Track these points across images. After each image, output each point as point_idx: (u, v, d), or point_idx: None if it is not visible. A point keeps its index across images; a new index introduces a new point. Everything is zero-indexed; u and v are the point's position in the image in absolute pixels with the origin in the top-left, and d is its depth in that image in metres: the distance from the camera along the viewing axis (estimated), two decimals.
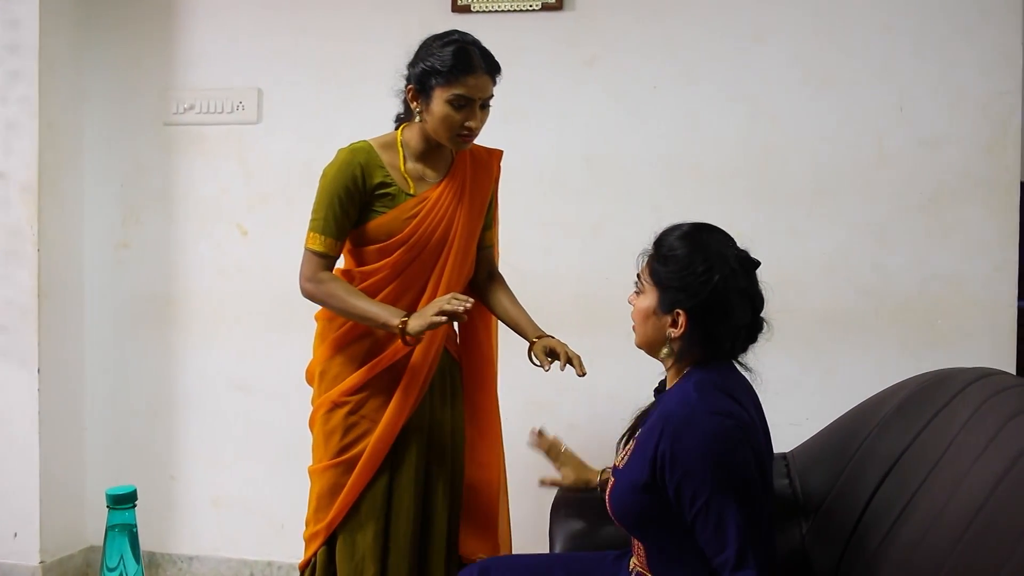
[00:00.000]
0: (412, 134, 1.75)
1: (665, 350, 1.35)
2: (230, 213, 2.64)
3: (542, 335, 1.77)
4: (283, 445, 2.55)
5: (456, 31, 1.71)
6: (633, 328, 1.40)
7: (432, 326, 1.60)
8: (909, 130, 2.27)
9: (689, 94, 2.37)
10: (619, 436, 1.49)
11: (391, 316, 1.65)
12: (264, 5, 2.60)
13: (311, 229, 1.72)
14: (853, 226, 2.31)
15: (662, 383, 1.48)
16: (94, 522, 2.71)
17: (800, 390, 2.29)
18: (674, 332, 1.33)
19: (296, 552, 1.85)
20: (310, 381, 1.85)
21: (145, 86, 2.67)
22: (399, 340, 1.68)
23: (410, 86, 1.71)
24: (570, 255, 2.44)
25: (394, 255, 1.71)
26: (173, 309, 2.69)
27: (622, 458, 1.37)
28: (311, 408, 1.84)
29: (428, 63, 1.66)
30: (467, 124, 1.67)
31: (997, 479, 1.02)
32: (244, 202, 2.63)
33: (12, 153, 2.52)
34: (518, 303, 1.87)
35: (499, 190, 2.44)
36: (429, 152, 1.76)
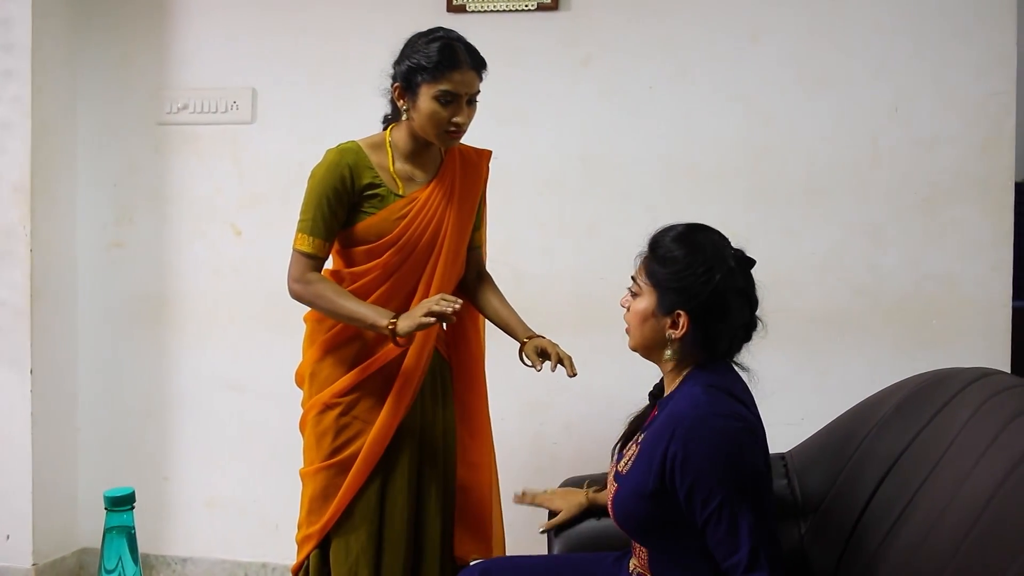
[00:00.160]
0: (400, 134, 1.74)
1: (666, 352, 1.34)
2: (224, 213, 2.63)
3: (532, 335, 1.77)
4: (277, 446, 2.54)
5: (441, 28, 1.71)
6: (627, 331, 1.39)
7: (421, 327, 1.60)
8: (904, 130, 2.27)
9: (685, 94, 2.37)
10: (616, 437, 1.49)
11: (380, 317, 1.64)
12: (259, 5, 2.59)
13: (299, 230, 1.71)
14: (848, 226, 2.31)
15: (658, 387, 1.48)
16: (87, 524, 2.70)
17: (795, 390, 2.29)
18: (674, 333, 1.32)
19: (291, 553, 1.85)
20: (300, 383, 1.84)
21: (138, 85, 2.66)
22: (390, 342, 1.68)
23: (396, 84, 1.70)
24: (566, 255, 2.44)
25: (384, 256, 1.70)
26: (167, 309, 2.68)
27: (625, 463, 1.36)
28: (302, 410, 1.83)
29: (414, 60, 1.66)
30: (454, 120, 1.66)
31: (1000, 480, 1.01)
32: (238, 202, 2.62)
33: (5, 153, 2.50)
34: (507, 303, 1.86)
35: (495, 190, 2.44)
36: (418, 152, 1.75)
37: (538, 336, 1.76)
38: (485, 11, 2.44)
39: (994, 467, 1.05)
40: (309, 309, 1.79)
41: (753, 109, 2.34)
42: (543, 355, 1.71)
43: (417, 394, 1.77)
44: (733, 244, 1.37)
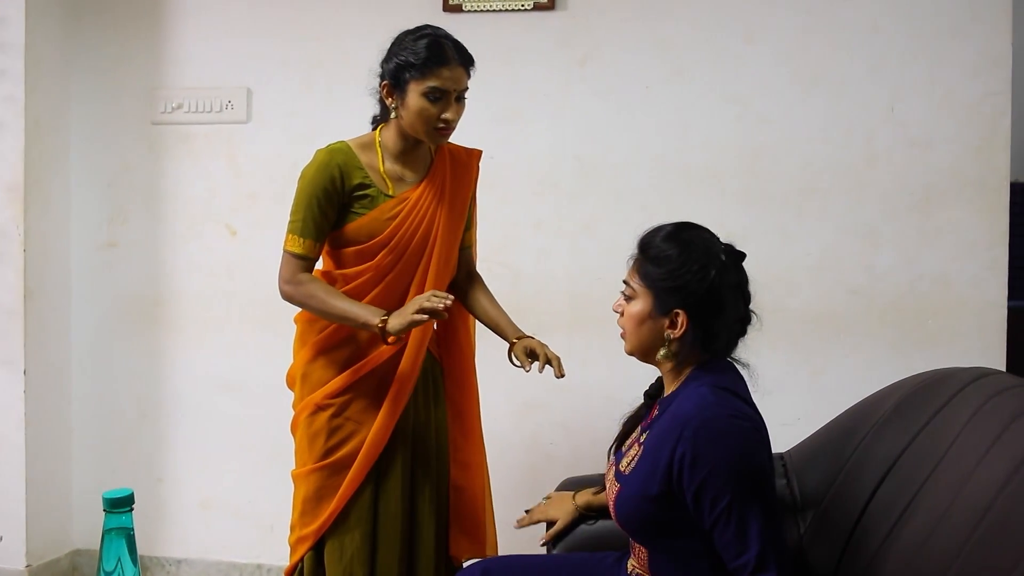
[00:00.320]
0: (390, 134, 1.74)
1: (663, 352, 1.34)
2: (219, 213, 2.62)
3: (522, 336, 1.77)
4: (272, 446, 2.53)
5: (428, 25, 1.70)
6: (622, 335, 1.39)
7: (413, 324, 1.59)
8: (899, 130, 2.28)
9: (681, 94, 2.37)
10: (613, 437, 1.49)
11: (371, 315, 1.64)
12: (254, 4, 2.58)
13: (289, 231, 1.71)
14: (843, 226, 2.31)
15: (655, 386, 1.48)
16: (81, 525, 2.69)
17: (790, 390, 2.29)
18: (673, 333, 1.32)
19: (286, 555, 1.84)
20: (291, 385, 1.83)
21: (133, 85, 2.65)
22: (383, 343, 1.68)
23: (385, 82, 1.70)
24: (562, 255, 2.44)
25: (376, 258, 1.70)
26: (161, 310, 2.67)
27: (628, 463, 1.36)
28: (293, 413, 1.82)
29: (402, 57, 1.65)
30: (444, 117, 1.65)
31: (1004, 481, 1.01)
32: (233, 202, 2.61)
33: None
34: (497, 303, 1.86)
35: (490, 190, 2.44)
36: (408, 152, 1.75)
37: (527, 336, 1.76)
38: (481, 11, 2.43)
39: (997, 468, 1.05)
40: (300, 310, 1.78)
41: (748, 109, 2.34)
42: (532, 356, 1.71)
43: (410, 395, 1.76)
44: (728, 242, 1.37)
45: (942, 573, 1.00)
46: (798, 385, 2.32)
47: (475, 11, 2.44)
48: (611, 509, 1.37)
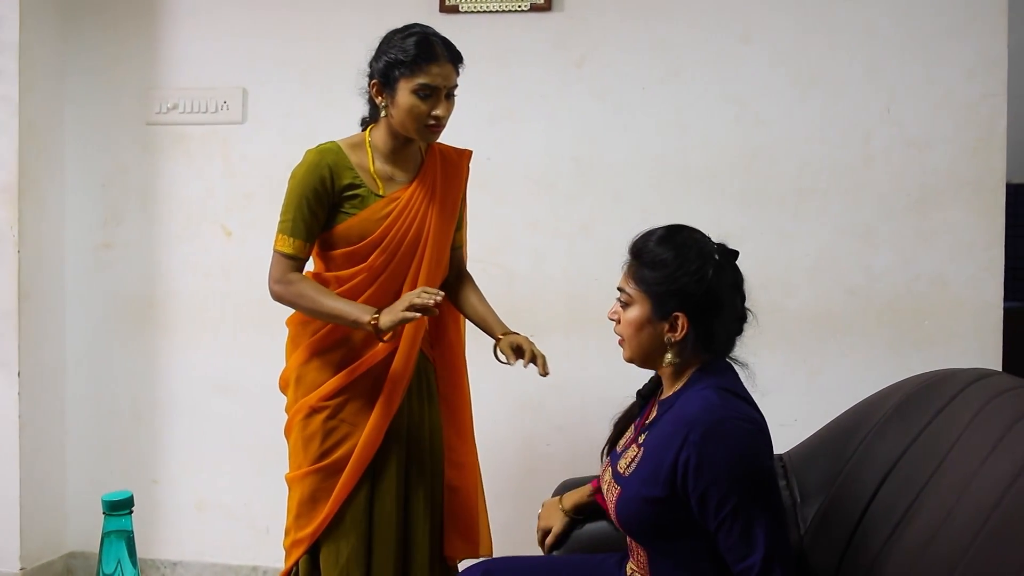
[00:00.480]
0: (379, 134, 1.74)
1: (667, 357, 1.34)
2: (214, 214, 2.62)
3: (508, 332, 1.76)
4: (268, 448, 2.52)
5: (417, 24, 1.71)
6: (620, 343, 1.38)
7: (403, 321, 1.59)
8: (896, 131, 2.28)
9: (677, 95, 2.37)
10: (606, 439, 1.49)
11: (362, 313, 1.64)
12: (250, 5, 2.57)
13: (280, 231, 1.70)
14: (840, 227, 2.31)
15: (648, 387, 1.48)
16: (75, 528, 2.68)
17: (788, 390, 2.29)
18: (674, 336, 1.32)
19: (281, 557, 1.83)
20: (284, 389, 1.83)
21: (128, 85, 2.64)
22: (377, 344, 1.68)
23: (374, 81, 1.70)
24: (559, 255, 2.44)
25: (369, 259, 1.70)
26: (156, 311, 2.66)
27: (628, 465, 1.35)
28: (287, 416, 1.81)
29: (391, 55, 1.65)
30: (434, 113, 1.65)
31: (1010, 480, 1.01)
32: (228, 203, 2.61)
33: None
34: (485, 300, 1.86)
35: (487, 190, 2.44)
36: (398, 152, 1.74)
37: (513, 333, 1.76)
38: (478, 12, 2.43)
39: (1001, 468, 1.05)
40: (292, 312, 1.78)
41: (746, 110, 2.34)
42: (518, 352, 1.71)
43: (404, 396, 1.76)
44: (728, 245, 1.36)
45: (949, 574, 1.00)
46: (796, 385, 2.32)
47: (472, 12, 2.43)
48: (611, 512, 1.36)
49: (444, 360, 1.87)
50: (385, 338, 1.65)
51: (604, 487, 1.42)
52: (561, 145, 2.43)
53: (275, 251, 1.71)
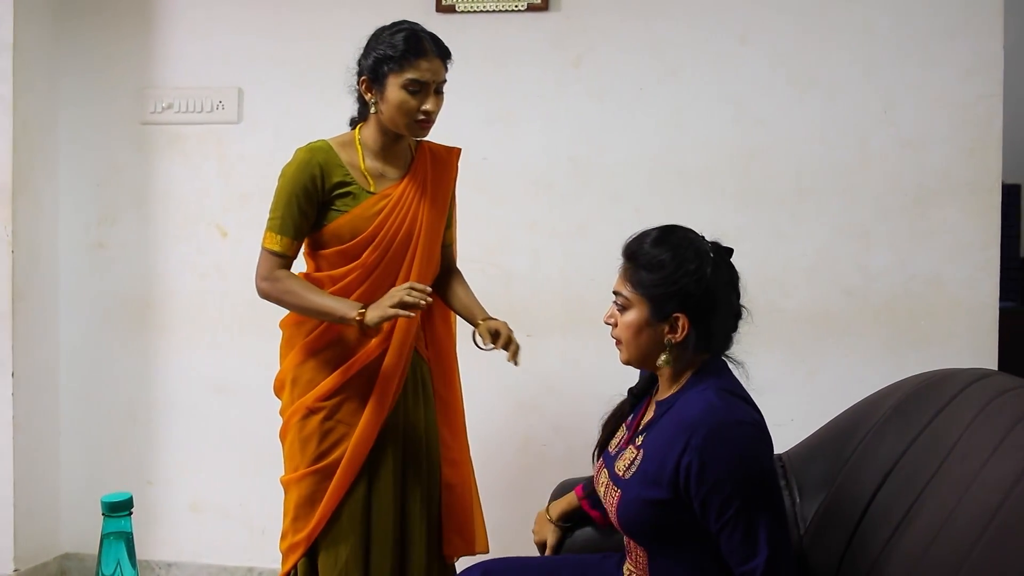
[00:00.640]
0: (369, 132, 1.74)
1: (665, 358, 1.33)
2: (209, 214, 2.61)
3: (488, 318, 1.77)
4: (263, 449, 2.50)
5: (405, 20, 1.72)
6: (618, 346, 1.37)
7: (390, 317, 1.60)
8: (893, 132, 2.28)
9: (675, 95, 2.37)
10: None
11: (349, 309, 1.64)
12: (245, 4, 2.56)
13: (268, 229, 1.71)
14: (837, 227, 2.32)
15: (640, 386, 1.47)
16: (69, 529, 2.67)
17: (785, 391, 2.29)
18: (674, 337, 1.31)
19: (277, 558, 1.82)
20: (278, 391, 1.82)
21: (122, 84, 2.63)
22: (371, 341, 1.68)
23: (363, 77, 1.71)
24: (556, 256, 2.44)
25: (361, 256, 1.70)
26: (151, 311, 2.65)
27: (626, 467, 1.34)
28: (281, 419, 1.81)
29: (379, 51, 1.66)
30: (423, 108, 1.65)
31: (1013, 481, 1.00)
32: (224, 203, 2.60)
33: None
34: (471, 292, 1.86)
35: (484, 191, 2.43)
36: (388, 149, 1.74)
37: (493, 318, 1.76)
38: (475, 11, 2.42)
39: (1005, 468, 1.05)
40: (285, 315, 1.78)
41: (743, 110, 2.34)
42: (496, 336, 1.71)
43: (399, 394, 1.75)
44: (722, 243, 1.36)
45: (954, 573, 0.99)
46: (793, 386, 2.32)
47: (469, 12, 2.43)
48: (611, 514, 1.35)
49: (437, 358, 1.87)
50: (370, 333, 1.65)
51: (601, 490, 1.41)
52: (558, 145, 2.42)
53: (263, 248, 1.72)
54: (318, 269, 1.75)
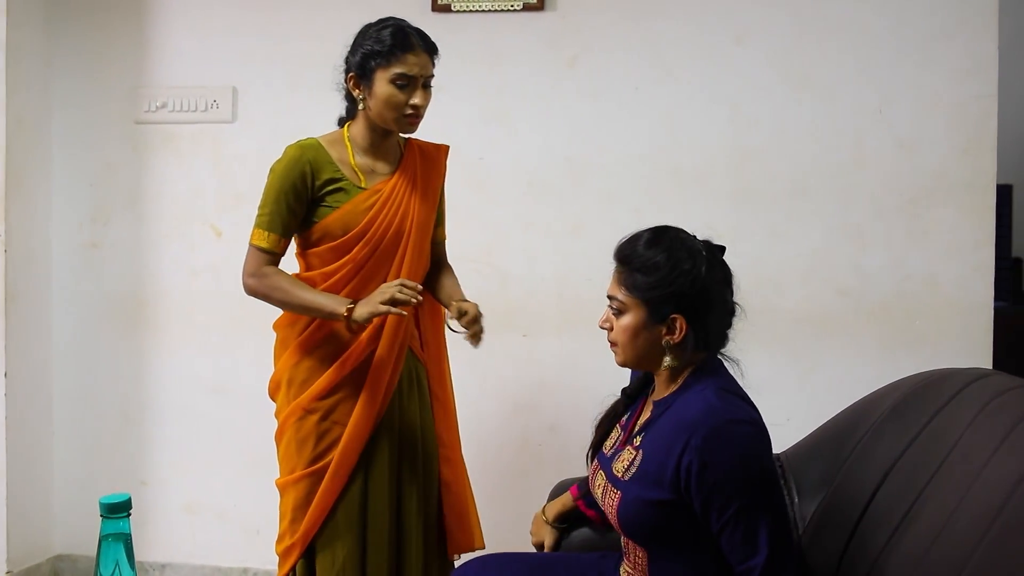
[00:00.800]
0: (358, 128, 1.74)
1: (665, 359, 1.32)
2: (203, 214, 2.60)
3: (462, 299, 1.75)
4: (258, 449, 2.49)
5: (391, 17, 1.72)
6: (613, 349, 1.37)
7: (380, 314, 1.60)
8: (888, 132, 2.29)
9: (670, 95, 2.37)
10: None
11: (337, 305, 1.64)
12: (240, 3, 2.56)
13: (257, 225, 1.71)
14: (832, 227, 2.32)
15: (634, 386, 1.47)
16: (63, 530, 2.65)
17: (780, 390, 2.29)
18: (672, 339, 1.31)
19: (272, 558, 1.82)
20: (273, 394, 1.82)
21: (116, 83, 2.62)
22: (364, 336, 1.68)
23: (351, 74, 1.71)
24: (551, 256, 2.43)
25: (352, 251, 1.70)
26: (144, 311, 2.63)
27: (624, 468, 1.34)
28: (276, 421, 1.80)
29: (367, 47, 1.67)
30: (411, 103, 1.66)
31: (1016, 481, 1.00)
32: (218, 202, 2.59)
33: None
34: (457, 284, 1.85)
35: (480, 191, 2.43)
36: (377, 145, 1.75)
37: (466, 300, 1.75)
38: (470, 11, 2.42)
39: (1007, 470, 1.05)
40: (279, 316, 1.78)
41: (738, 110, 2.35)
42: (463, 316, 1.69)
43: (394, 393, 1.75)
44: (704, 239, 1.36)
45: (958, 573, 0.99)
46: (788, 385, 2.32)
47: (464, 11, 2.42)
48: (611, 516, 1.34)
49: (431, 357, 1.86)
50: (357, 329, 1.65)
51: (598, 492, 1.40)
52: (554, 145, 2.42)
53: (250, 245, 1.72)
54: (309, 268, 1.75)
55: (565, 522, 1.66)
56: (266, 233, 1.69)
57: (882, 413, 1.42)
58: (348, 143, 1.74)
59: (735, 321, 1.37)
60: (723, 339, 1.36)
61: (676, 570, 1.31)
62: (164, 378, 2.63)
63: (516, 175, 2.44)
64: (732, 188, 2.35)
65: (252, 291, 1.72)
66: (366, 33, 1.70)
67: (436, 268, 1.88)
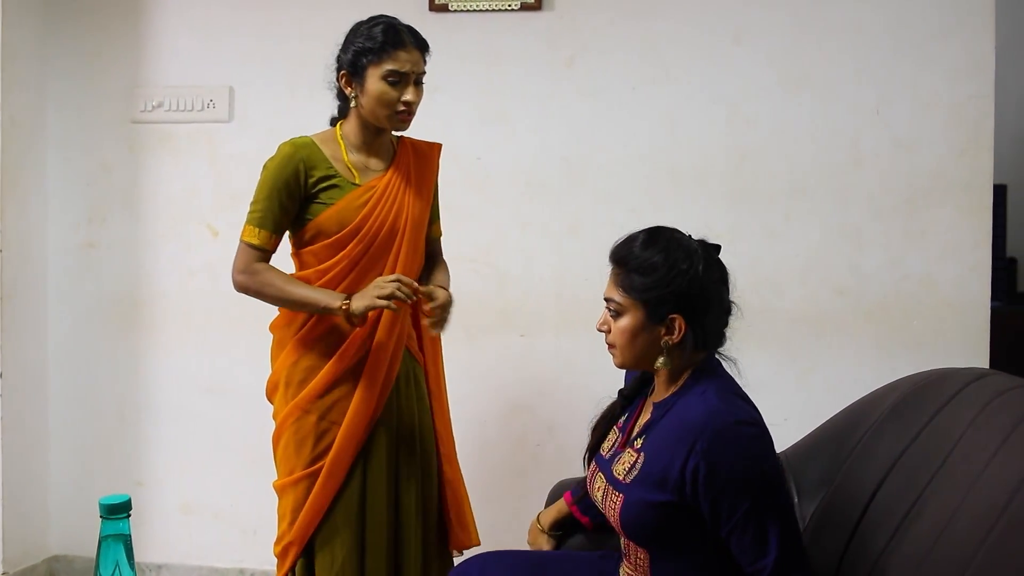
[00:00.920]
0: (350, 126, 1.75)
1: (663, 360, 1.32)
2: (200, 213, 2.59)
3: (442, 286, 1.76)
4: (254, 449, 2.48)
5: (382, 14, 1.72)
6: (612, 351, 1.36)
7: (377, 307, 1.61)
8: (885, 132, 2.29)
9: (668, 95, 2.37)
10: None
11: (332, 299, 1.64)
12: (237, 3, 2.55)
13: (248, 222, 1.70)
14: (829, 227, 2.32)
15: (632, 387, 1.47)
16: (59, 531, 2.65)
17: (778, 390, 2.29)
18: (671, 339, 1.31)
19: (269, 559, 1.81)
20: (271, 394, 1.81)
21: (112, 82, 2.61)
22: (362, 329, 1.68)
23: (343, 72, 1.71)
24: (549, 256, 2.43)
25: (347, 247, 1.69)
26: (141, 311, 2.63)
27: (626, 471, 1.33)
28: (274, 423, 1.79)
29: (358, 44, 1.67)
30: (404, 99, 1.66)
31: (1019, 479, 1.00)
32: (214, 202, 2.58)
33: None
34: (448, 277, 1.85)
35: (477, 191, 2.43)
36: (370, 143, 1.75)
37: (443, 287, 1.75)
38: (468, 11, 2.42)
39: (1009, 469, 1.05)
40: (275, 317, 1.78)
41: (735, 110, 2.35)
42: (431, 299, 1.69)
43: (391, 392, 1.75)
44: (699, 238, 1.36)
45: (961, 573, 0.99)
46: (786, 385, 2.32)
47: (462, 11, 2.42)
48: (613, 519, 1.34)
49: (429, 357, 1.86)
50: (356, 322, 1.65)
51: (598, 495, 1.39)
52: (551, 145, 2.42)
53: (241, 241, 1.71)
54: (304, 267, 1.75)
55: (560, 529, 1.66)
56: (257, 230, 1.69)
57: (882, 413, 1.42)
58: (341, 141, 1.74)
59: (732, 320, 1.37)
60: (721, 338, 1.36)
61: (677, 570, 1.31)
62: (160, 378, 2.63)
63: (514, 175, 2.43)
64: (730, 188, 2.35)
65: (243, 288, 1.72)
66: (357, 31, 1.70)
67: (431, 265, 1.88)
